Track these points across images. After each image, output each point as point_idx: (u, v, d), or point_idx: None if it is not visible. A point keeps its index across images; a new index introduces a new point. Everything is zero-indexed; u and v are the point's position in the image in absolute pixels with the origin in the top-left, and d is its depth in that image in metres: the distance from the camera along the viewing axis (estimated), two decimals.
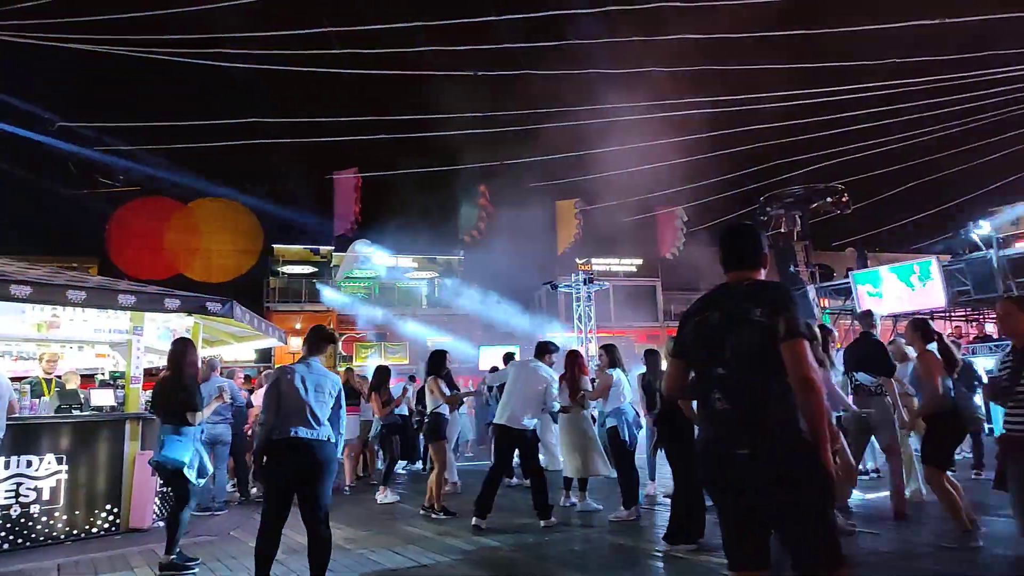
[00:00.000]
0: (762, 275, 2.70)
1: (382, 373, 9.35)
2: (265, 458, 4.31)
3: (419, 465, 11.52)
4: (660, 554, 5.31)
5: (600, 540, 5.99)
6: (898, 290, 15.48)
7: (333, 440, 4.37)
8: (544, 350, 7.23)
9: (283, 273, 30.65)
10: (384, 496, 8.35)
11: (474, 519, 6.42)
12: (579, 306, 15.25)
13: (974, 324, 20.14)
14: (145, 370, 7.98)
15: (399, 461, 10.78)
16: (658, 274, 33.84)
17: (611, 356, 7.47)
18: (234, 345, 11.77)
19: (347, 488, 9.42)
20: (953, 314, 17.95)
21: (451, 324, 31.60)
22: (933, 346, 5.31)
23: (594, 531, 6.35)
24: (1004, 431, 3.90)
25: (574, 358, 7.59)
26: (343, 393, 4.60)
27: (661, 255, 31.14)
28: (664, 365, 6.03)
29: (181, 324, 9.28)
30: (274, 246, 30.71)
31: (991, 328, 18.23)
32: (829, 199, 19.47)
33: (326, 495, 4.31)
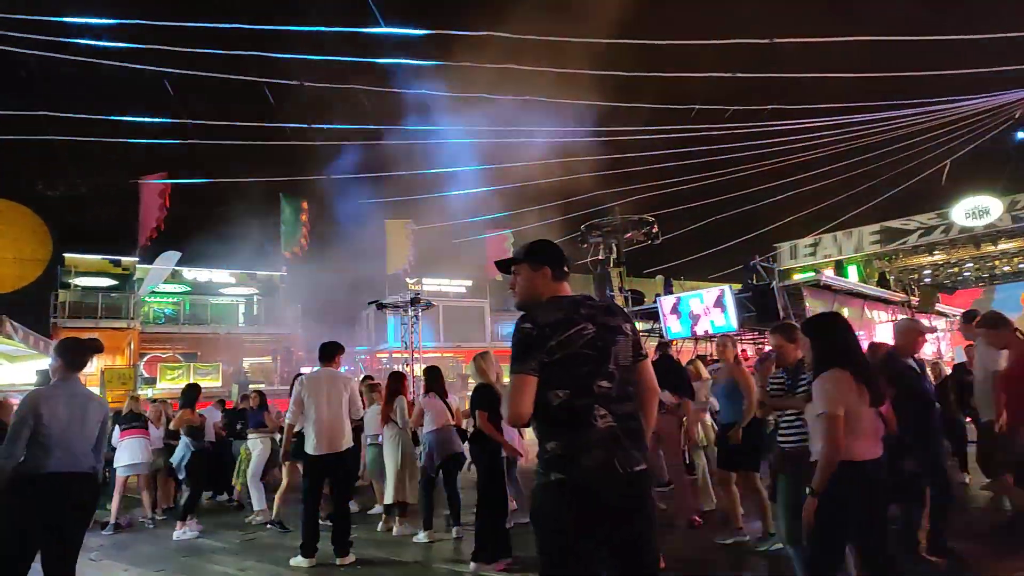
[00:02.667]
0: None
1: (192, 391, 8.62)
2: (9, 497, 3.49)
3: (225, 496, 10.69)
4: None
5: (413, 566, 5.89)
6: (698, 314, 16.98)
7: (96, 473, 3.78)
8: (336, 351, 6.48)
9: (76, 286, 27.34)
10: (183, 531, 7.60)
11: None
12: (406, 326, 15.09)
13: (759, 347, 22.60)
14: None
15: (206, 492, 9.96)
16: (487, 295, 34.51)
17: (426, 380, 7.36)
18: (6, 366, 10.31)
19: (149, 521, 8.50)
20: (743, 337, 19.96)
21: (271, 344, 29.97)
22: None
23: (403, 556, 6.23)
24: (778, 445, 4.35)
25: (396, 378, 7.50)
26: (109, 418, 4.01)
27: (491, 275, 31.80)
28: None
29: None
30: (65, 255, 27.35)
31: None
32: (641, 230, 20.99)
33: (81, 542, 3.70)
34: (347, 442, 6.13)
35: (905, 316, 7.24)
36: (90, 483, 3.69)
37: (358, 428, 7.28)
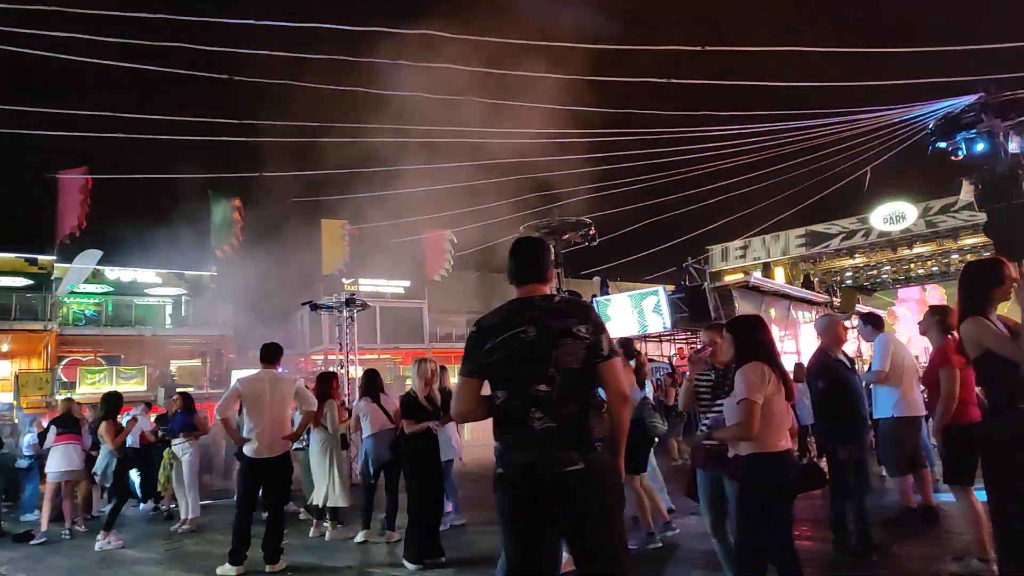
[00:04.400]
0: (548, 289, 2.68)
1: (113, 400, 8.25)
2: None
3: (151, 504, 10.28)
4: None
5: (346, 571, 5.80)
6: (629, 315, 17.33)
7: None
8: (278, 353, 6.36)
9: None
10: (106, 541, 7.25)
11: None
12: (339, 327, 14.83)
13: (692, 346, 23.23)
14: None
15: (136, 499, 9.63)
16: (425, 296, 34.26)
17: (364, 383, 7.29)
18: None
19: (67, 532, 8.09)
20: (676, 336, 20.45)
21: (201, 346, 28.97)
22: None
23: (335, 560, 6.13)
24: (701, 443, 4.46)
25: (325, 380, 7.40)
26: None
27: (429, 277, 31.58)
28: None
29: None
30: None
31: None
32: (579, 231, 21.26)
33: None
34: (285, 445, 5.96)
35: (824, 315, 7.53)
36: None
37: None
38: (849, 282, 29.42)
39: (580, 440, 2.40)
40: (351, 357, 14.83)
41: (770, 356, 3.51)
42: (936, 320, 4.78)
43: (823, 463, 4.98)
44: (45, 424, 9.46)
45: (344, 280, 28.51)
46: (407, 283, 34.62)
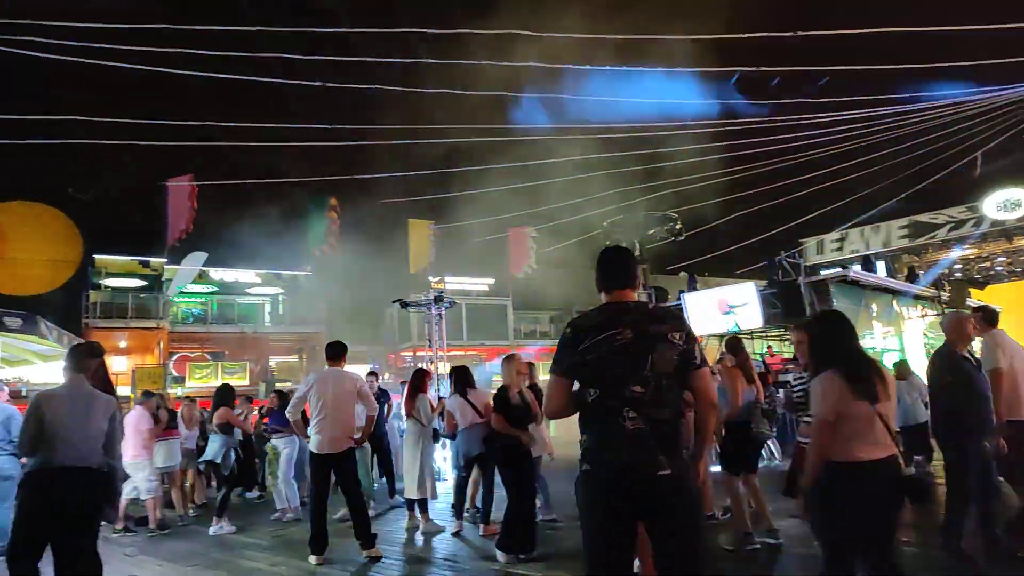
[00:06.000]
0: (635, 296, 2.77)
1: (226, 391, 8.78)
2: (23, 492, 3.80)
3: (256, 493, 10.86)
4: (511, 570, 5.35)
5: (440, 562, 5.93)
6: (717, 311, 16.85)
7: (107, 469, 3.93)
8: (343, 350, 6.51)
9: (106, 287, 27.88)
10: (219, 527, 7.75)
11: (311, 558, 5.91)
12: (428, 324, 15.16)
13: (787, 343, 22.36)
14: None
15: (236, 488, 10.11)
16: (509, 293, 34.52)
17: (453, 379, 7.40)
18: (40, 365, 10.55)
19: (180, 519, 8.67)
20: (769, 335, 19.76)
21: (297, 343, 30.30)
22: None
23: (431, 552, 6.28)
24: (798, 441, 4.32)
25: (419, 376, 7.62)
26: (119, 415, 4.12)
27: (513, 273, 31.79)
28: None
29: None
30: (96, 257, 27.89)
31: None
32: (664, 227, 20.87)
33: (95, 537, 3.86)
34: (349, 442, 6.09)
35: (952, 311, 7.08)
36: (96, 478, 3.83)
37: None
38: (959, 275, 27.59)
39: (670, 445, 2.45)
40: (439, 353, 15.12)
41: (847, 359, 3.23)
42: None
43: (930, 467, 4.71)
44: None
45: (431, 278, 29.13)
46: (491, 280, 35.00)
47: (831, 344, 3.31)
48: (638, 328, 2.53)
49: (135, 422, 8.00)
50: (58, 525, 3.65)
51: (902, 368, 9.27)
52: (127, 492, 8.04)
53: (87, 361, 4.08)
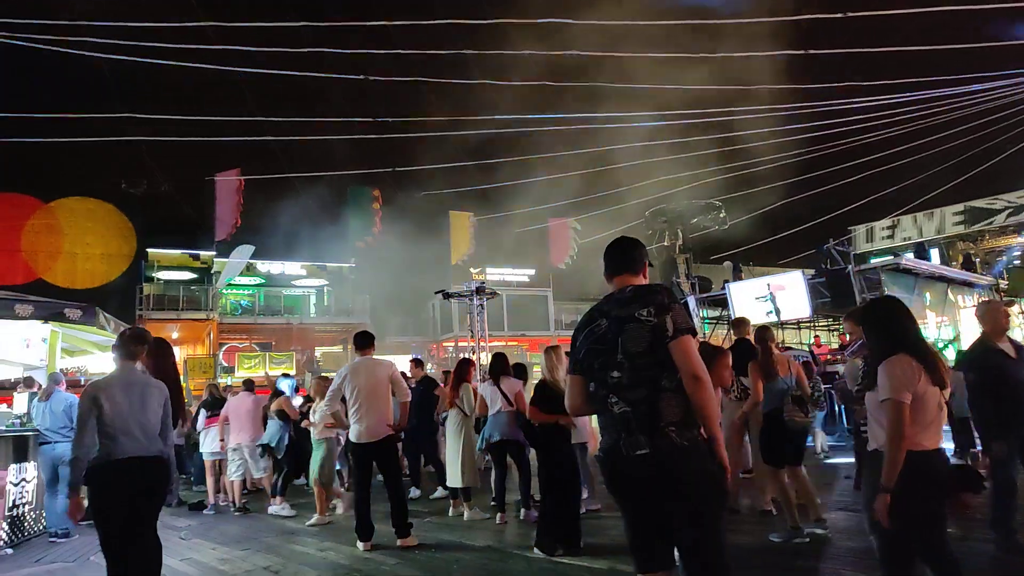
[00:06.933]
0: (642, 281, 2.73)
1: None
2: (92, 488, 3.73)
3: (303, 479, 11.09)
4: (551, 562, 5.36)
5: (485, 550, 5.98)
6: (759, 300, 16.51)
7: (166, 456, 3.99)
8: (372, 338, 6.59)
9: (158, 279, 28.76)
10: (281, 507, 8.06)
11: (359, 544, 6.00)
12: (471, 315, 15.26)
13: (836, 333, 21.85)
14: None
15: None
16: (550, 284, 34.49)
17: (489, 367, 7.44)
18: (98, 355, 10.93)
19: (227, 504, 8.93)
20: (817, 324, 19.36)
21: (342, 333, 30.80)
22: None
23: (474, 540, 6.33)
24: (858, 427, 4.21)
25: (463, 366, 7.69)
26: (170, 402, 4.11)
27: (553, 265, 31.75)
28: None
29: (37, 333, 8.53)
30: (149, 250, 28.79)
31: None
32: (708, 215, 20.55)
33: (155, 522, 3.92)
34: (387, 430, 6.10)
35: (985, 300, 6.84)
36: (159, 466, 3.88)
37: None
38: (1017, 262, 26.56)
39: (649, 424, 2.42)
40: (481, 344, 15.21)
41: (916, 344, 3.11)
42: None
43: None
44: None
45: (472, 269, 29.28)
46: (531, 271, 35.02)
47: (900, 327, 3.18)
48: (610, 315, 2.60)
49: (241, 407, 8.60)
50: (126, 515, 3.70)
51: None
52: (235, 474, 8.60)
53: (135, 347, 4.06)
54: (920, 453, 2.98)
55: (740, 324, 7.38)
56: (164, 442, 3.98)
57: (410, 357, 11.50)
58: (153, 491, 3.87)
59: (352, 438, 6.11)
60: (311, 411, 8.24)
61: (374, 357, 6.42)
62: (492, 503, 7.20)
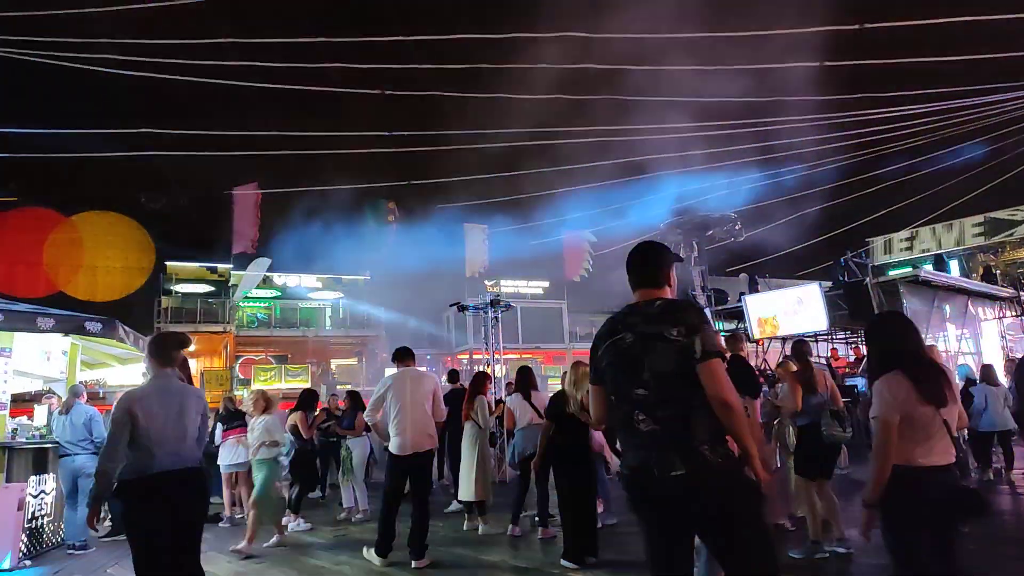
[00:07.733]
0: (668, 293, 2.64)
1: (309, 396, 9.21)
2: (126, 503, 3.48)
3: (317, 493, 11.11)
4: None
5: (501, 565, 5.94)
6: (786, 314, 16.38)
7: (203, 467, 3.80)
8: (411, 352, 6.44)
9: (176, 292, 29.06)
10: (296, 523, 8.02)
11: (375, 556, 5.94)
12: (485, 327, 15.24)
13: (853, 347, 21.61)
14: (16, 395, 7.35)
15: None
16: (564, 296, 34.44)
17: (517, 379, 7.41)
18: (118, 368, 11.04)
19: (243, 517, 8.93)
20: (834, 337, 19.16)
21: (357, 346, 30.92)
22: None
23: (491, 554, 6.29)
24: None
25: (478, 379, 7.69)
26: (208, 411, 3.91)
27: (568, 278, 31.71)
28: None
29: (57, 346, 8.62)
30: (167, 263, 29.13)
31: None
32: (724, 227, 20.46)
33: (200, 538, 3.71)
34: (432, 442, 6.07)
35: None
36: (197, 478, 3.68)
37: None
38: None
39: (683, 444, 2.35)
40: (496, 356, 15.18)
41: (912, 360, 3.07)
42: None
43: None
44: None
45: (486, 282, 29.31)
46: (546, 284, 34.99)
47: (894, 345, 3.16)
48: (636, 330, 2.49)
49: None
50: (168, 530, 3.45)
51: (988, 372, 8.96)
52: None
53: (175, 353, 3.74)
54: (912, 469, 2.95)
55: (734, 340, 7.30)
56: (200, 452, 3.75)
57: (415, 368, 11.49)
58: (194, 504, 3.63)
59: (393, 450, 5.96)
60: (250, 428, 7.71)
61: (417, 368, 6.33)
62: (536, 519, 6.94)
